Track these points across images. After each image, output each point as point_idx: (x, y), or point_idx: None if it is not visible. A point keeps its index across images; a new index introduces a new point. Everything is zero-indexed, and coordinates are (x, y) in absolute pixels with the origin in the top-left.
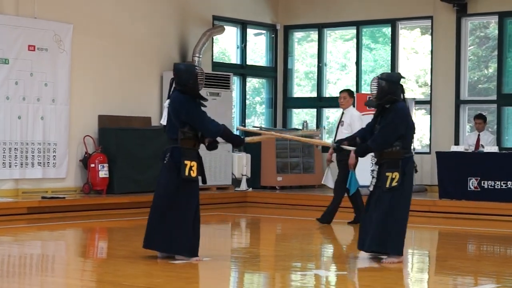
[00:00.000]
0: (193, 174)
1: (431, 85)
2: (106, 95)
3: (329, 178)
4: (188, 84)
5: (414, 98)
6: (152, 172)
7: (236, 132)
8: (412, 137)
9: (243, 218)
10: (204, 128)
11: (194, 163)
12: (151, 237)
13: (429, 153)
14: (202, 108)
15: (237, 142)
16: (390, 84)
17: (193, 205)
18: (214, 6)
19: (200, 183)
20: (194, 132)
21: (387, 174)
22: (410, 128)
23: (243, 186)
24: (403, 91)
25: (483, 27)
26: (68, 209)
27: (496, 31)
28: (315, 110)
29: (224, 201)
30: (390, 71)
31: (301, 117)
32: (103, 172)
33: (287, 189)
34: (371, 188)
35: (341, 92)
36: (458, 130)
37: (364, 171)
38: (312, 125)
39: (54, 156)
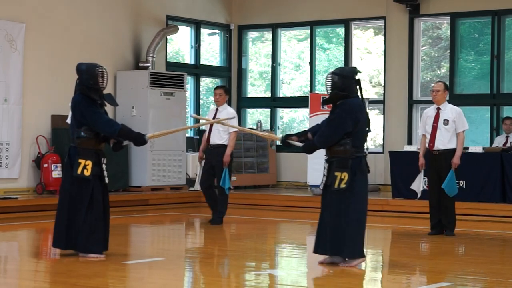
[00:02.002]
0: (87, 173)
1: (384, 85)
2: (59, 95)
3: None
4: (88, 84)
5: (368, 98)
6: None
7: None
8: (364, 136)
9: (197, 218)
10: (99, 128)
11: (89, 162)
12: (56, 236)
13: (382, 152)
14: (120, 107)
15: (138, 141)
16: (342, 78)
17: (83, 205)
18: (167, 6)
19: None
20: (93, 132)
21: (336, 173)
22: (360, 125)
23: (197, 186)
24: (359, 86)
25: (435, 27)
26: (21, 210)
27: (448, 32)
28: (269, 110)
29: (178, 201)
30: (343, 66)
31: (255, 117)
32: (56, 172)
33: (241, 189)
34: (321, 187)
35: (217, 88)
36: (411, 130)
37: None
38: (267, 125)
39: (6, 156)
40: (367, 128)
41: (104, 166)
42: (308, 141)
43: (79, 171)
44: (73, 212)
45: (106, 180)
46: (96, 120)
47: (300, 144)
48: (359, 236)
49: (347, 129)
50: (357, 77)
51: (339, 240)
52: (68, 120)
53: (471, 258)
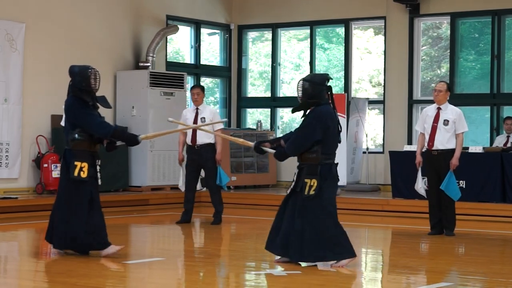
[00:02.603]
0: (83, 175)
1: (384, 85)
2: (59, 95)
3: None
4: (81, 86)
5: (368, 98)
6: (104, 172)
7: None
8: (335, 143)
9: (197, 218)
10: (92, 130)
11: (85, 164)
12: (51, 234)
13: (382, 152)
14: (112, 109)
15: (131, 142)
16: (313, 85)
17: (83, 207)
18: (167, 6)
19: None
20: (87, 134)
21: (306, 180)
22: (330, 132)
23: (197, 186)
24: (330, 93)
25: (435, 27)
26: (21, 210)
27: (448, 32)
28: (269, 110)
29: (178, 201)
30: (314, 73)
31: (255, 116)
32: (56, 172)
33: (241, 189)
34: (288, 192)
35: (194, 88)
36: (411, 130)
37: None
38: (266, 124)
39: (6, 156)
40: (338, 137)
41: (98, 168)
42: (280, 148)
43: (75, 174)
44: (71, 214)
45: (99, 181)
46: (89, 122)
47: (272, 151)
48: (343, 237)
49: (316, 137)
50: (328, 84)
51: (323, 244)
52: (62, 123)
53: (471, 258)
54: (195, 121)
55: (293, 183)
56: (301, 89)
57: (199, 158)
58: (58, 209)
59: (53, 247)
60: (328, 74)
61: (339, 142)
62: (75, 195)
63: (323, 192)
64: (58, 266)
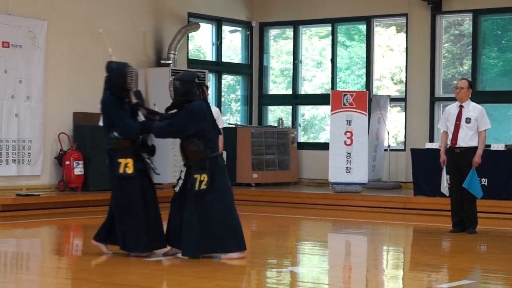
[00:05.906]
0: (129, 170)
1: (406, 83)
2: (80, 92)
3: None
4: (118, 83)
5: (389, 96)
6: None
7: None
8: (215, 134)
9: None
10: (121, 130)
11: (129, 160)
12: (105, 233)
13: (404, 150)
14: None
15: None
16: (183, 83)
17: (137, 201)
18: (189, 3)
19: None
20: None
21: (195, 176)
22: (206, 126)
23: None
24: (201, 89)
25: (457, 24)
26: (43, 207)
27: (471, 29)
28: (290, 107)
29: None
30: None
31: (277, 114)
32: (78, 169)
33: (262, 186)
34: (177, 189)
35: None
36: (433, 127)
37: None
38: (288, 122)
39: (29, 153)
40: (216, 128)
41: (148, 161)
42: (150, 121)
43: (121, 171)
44: (125, 214)
45: (152, 176)
46: (119, 122)
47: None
48: (234, 230)
49: (187, 132)
50: (197, 81)
51: (214, 238)
52: (100, 123)
53: (493, 256)
54: None
55: (180, 181)
56: (172, 88)
57: None
58: (112, 209)
59: (105, 243)
60: (197, 73)
61: (220, 133)
62: (125, 192)
63: (215, 186)
64: (80, 263)
